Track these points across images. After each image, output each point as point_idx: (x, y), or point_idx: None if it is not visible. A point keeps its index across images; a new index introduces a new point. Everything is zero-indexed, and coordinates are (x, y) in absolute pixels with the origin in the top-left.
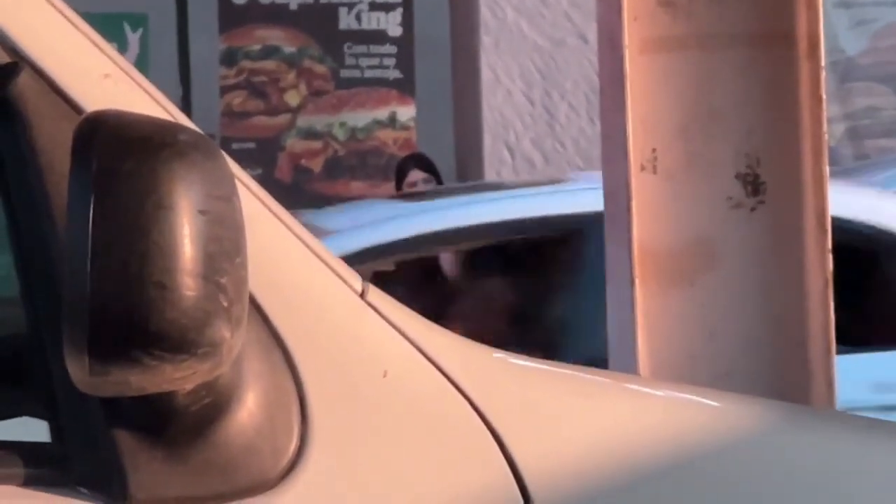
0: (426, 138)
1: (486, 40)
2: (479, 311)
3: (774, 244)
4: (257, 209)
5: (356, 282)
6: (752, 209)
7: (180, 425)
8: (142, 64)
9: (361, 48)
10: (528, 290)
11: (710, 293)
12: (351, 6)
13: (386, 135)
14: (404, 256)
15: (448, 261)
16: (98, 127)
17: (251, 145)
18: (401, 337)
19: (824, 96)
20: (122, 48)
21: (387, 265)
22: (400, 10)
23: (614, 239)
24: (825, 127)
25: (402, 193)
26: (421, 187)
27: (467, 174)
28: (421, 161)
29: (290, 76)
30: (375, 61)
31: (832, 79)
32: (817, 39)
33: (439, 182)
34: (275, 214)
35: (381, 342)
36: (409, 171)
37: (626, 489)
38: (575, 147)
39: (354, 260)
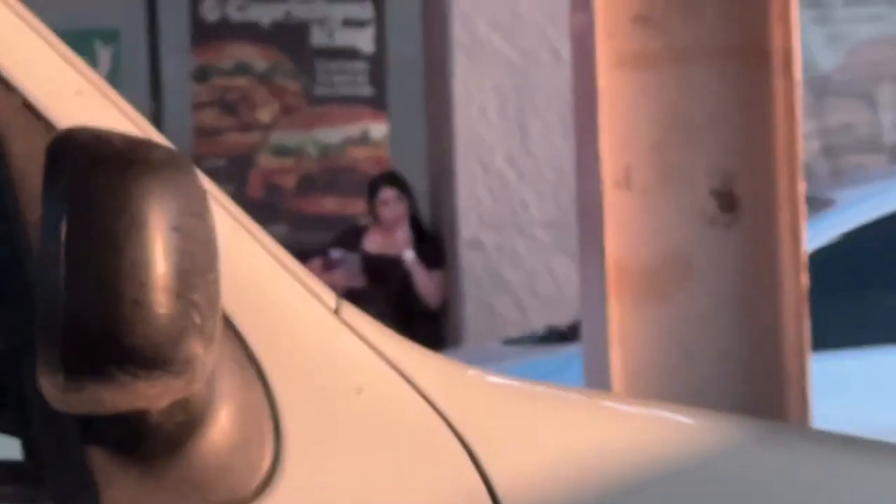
0: (399, 155)
1: (458, 56)
2: None
3: (749, 260)
4: (230, 225)
5: (330, 298)
6: (727, 225)
7: (154, 442)
8: (113, 81)
9: (334, 65)
10: None
11: (684, 309)
12: (323, 23)
13: (358, 152)
14: None
15: None
16: (70, 144)
17: (223, 162)
18: (375, 353)
19: (799, 112)
20: (94, 65)
21: None
22: (372, 27)
23: (588, 254)
24: (800, 143)
25: None
26: (393, 206)
27: (440, 191)
28: (393, 179)
29: (262, 93)
30: (348, 78)
31: (808, 95)
32: (793, 55)
33: (412, 200)
34: (248, 231)
35: (355, 359)
36: (380, 189)
37: None
38: (549, 163)
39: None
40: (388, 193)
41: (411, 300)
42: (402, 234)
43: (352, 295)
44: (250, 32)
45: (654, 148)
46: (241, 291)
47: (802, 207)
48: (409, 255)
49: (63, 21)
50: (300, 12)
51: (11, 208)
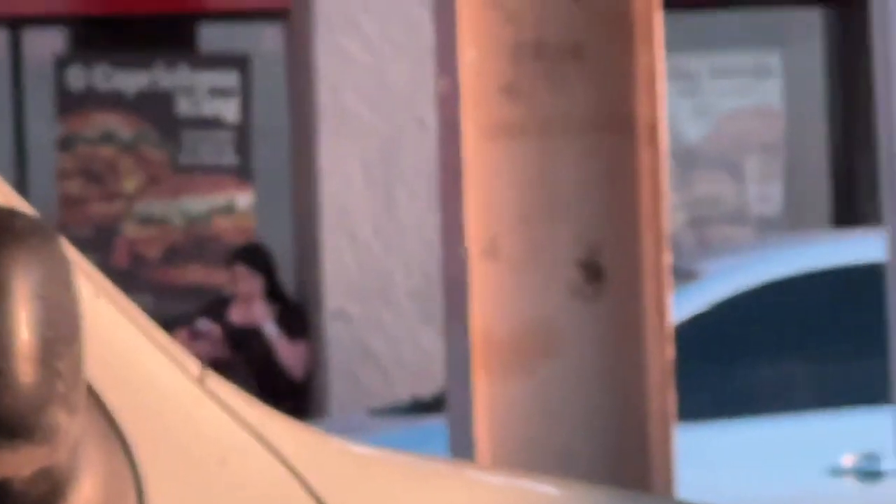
0: (265, 225)
1: (324, 125)
2: None
3: (615, 331)
4: (95, 295)
5: (194, 367)
6: (593, 296)
7: None
8: None
9: (199, 134)
10: None
11: (550, 379)
12: (189, 92)
13: (224, 221)
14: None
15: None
16: None
17: (88, 231)
18: (239, 423)
19: (665, 183)
20: None
21: None
22: (238, 96)
23: (454, 325)
24: (666, 214)
25: None
26: (247, 281)
27: (306, 261)
28: (244, 255)
29: (128, 162)
30: (213, 147)
31: (674, 166)
32: (659, 126)
33: (270, 273)
34: (113, 300)
35: (219, 428)
36: (234, 264)
37: None
38: (415, 233)
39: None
40: (240, 269)
41: (275, 372)
42: (259, 308)
43: (217, 365)
44: (115, 101)
45: (520, 218)
46: (106, 361)
47: (668, 279)
48: (269, 328)
49: None
50: (166, 81)
51: None
